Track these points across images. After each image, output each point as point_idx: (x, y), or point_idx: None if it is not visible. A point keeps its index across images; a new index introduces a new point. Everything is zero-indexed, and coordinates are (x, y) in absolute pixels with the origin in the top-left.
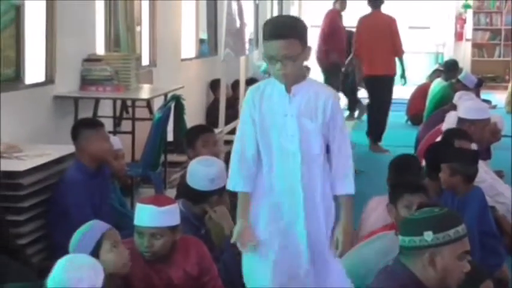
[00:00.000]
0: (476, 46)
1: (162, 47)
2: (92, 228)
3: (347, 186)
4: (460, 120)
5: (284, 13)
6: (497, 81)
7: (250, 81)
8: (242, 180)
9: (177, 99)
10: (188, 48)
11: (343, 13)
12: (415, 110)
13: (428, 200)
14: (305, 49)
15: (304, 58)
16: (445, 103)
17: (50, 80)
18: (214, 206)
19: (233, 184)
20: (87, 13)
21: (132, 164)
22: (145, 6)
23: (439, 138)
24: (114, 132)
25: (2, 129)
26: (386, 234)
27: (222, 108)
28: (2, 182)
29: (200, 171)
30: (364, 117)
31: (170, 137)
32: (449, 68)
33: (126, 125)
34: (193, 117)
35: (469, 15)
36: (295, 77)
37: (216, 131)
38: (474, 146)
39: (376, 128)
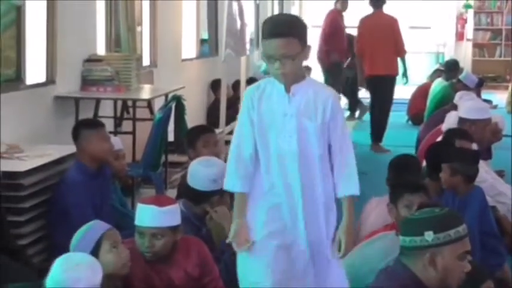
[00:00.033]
0: (477, 46)
1: (162, 47)
2: (91, 229)
3: (350, 187)
4: (461, 120)
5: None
6: (498, 81)
7: (251, 81)
8: (239, 180)
9: (178, 100)
10: (189, 49)
11: (344, 13)
12: (416, 110)
13: (428, 200)
14: (304, 48)
15: (303, 57)
16: (445, 103)
17: (50, 80)
18: (215, 206)
19: (230, 184)
20: (87, 13)
21: (132, 164)
22: (146, 7)
23: (439, 138)
24: (115, 133)
25: (3, 130)
26: (387, 235)
27: (222, 108)
28: (2, 183)
29: (201, 171)
30: (366, 117)
31: (171, 137)
32: (450, 68)
33: (126, 126)
34: (194, 117)
35: (469, 15)
36: (294, 76)
37: (217, 131)
38: (475, 146)
39: (377, 128)
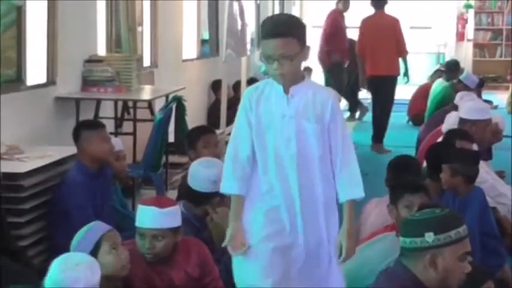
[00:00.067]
0: (478, 46)
1: (163, 47)
2: (91, 230)
3: (351, 191)
4: (462, 121)
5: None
6: (499, 82)
7: (252, 82)
8: (236, 182)
9: (179, 100)
10: (189, 49)
11: (345, 14)
12: (417, 111)
13: (428, 200)
14: (303, 49)
15: (302, 58)
16: (446, 103)
17: (51, 81)
18: (216, 207)
19: (227, 187)
20: (88, 14)
21: (133, 165)
22: (146, 7)
23: (440, 139)
24: (116, 134)
25: (3, 131)
26: (387, 236)
27: (223, 109)
28: (3, 184)
29: (201, 172)
30: (366, 118)
31: (171, 138)
32: (451, 68)
33: (127, 126)
34: (195, 118)
35: (470, 15)
36: (293, 77)
37: (218, 132)
38: (475, 147)
39: (378, 129)
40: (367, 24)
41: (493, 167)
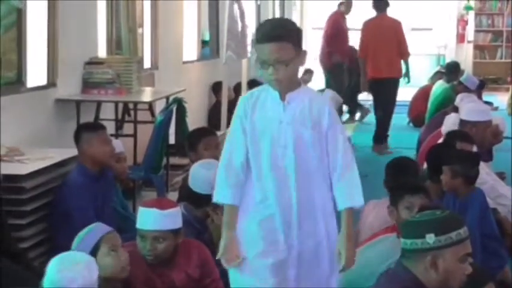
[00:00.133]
0: (478, 48)
1: (164, 49)
2: (91, 231)
3: (350, 199)
4: (462, 122)
5: (286, 15)
6: (499, 83)
7: (252, 84)
8: (230, 189)
9: (179, 102)
10: (190, 51)
11: (347, 16)
12: (417, 112)
13: (429, 201)
14: (299, 53)
15: (298, 63)
16: (446, 105)
17: (51, 83)
18: (217, 209)
19: (220, 196)
20: (88, 16)
21: (134, 167)
22: (147, 9)
23: (440, 140)
24: (116, 135)
25: (4, 133)
26: (388, 237)
27: (224, 110)
28: (3, 186)
29: (202, 174)
30: (366, 119)
31: (172, 140)
32: (451, 70)
33: (128, 128)
34: (195, 120)
35: (470, 16)
36: (288, 83)
37: (218, 133)
38: (475, 148)
39: (380, 130)
40: (369, 27)
41: (493, 168)
